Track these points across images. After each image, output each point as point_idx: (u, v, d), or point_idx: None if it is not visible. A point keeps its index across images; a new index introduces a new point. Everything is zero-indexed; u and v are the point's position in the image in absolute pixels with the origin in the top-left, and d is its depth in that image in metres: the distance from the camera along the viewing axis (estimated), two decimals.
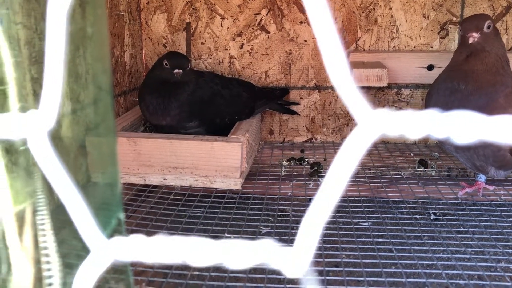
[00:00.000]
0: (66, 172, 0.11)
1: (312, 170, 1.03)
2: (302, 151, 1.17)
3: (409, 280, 0.63)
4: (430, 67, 1.14)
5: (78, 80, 0.51)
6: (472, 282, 0.63)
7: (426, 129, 0.10)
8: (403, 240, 0.75)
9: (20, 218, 0.33)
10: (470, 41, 0.78)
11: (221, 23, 1.21)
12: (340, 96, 0.15)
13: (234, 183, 0.91)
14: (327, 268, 0.67)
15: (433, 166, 1.06)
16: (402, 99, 1.21)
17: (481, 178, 0.91)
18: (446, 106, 0.82)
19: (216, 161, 0.90)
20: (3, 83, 0.38)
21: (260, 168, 1.07)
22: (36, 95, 0.41)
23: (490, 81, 0.79)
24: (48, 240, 0.34)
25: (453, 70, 0.84)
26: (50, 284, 0.31)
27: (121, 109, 1.13)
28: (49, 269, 0.31)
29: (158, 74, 0.97)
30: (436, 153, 1.13)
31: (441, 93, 0.83)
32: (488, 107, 0.78)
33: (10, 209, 0.33)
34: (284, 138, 1.27)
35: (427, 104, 0.88)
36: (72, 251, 0.36)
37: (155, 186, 0.94)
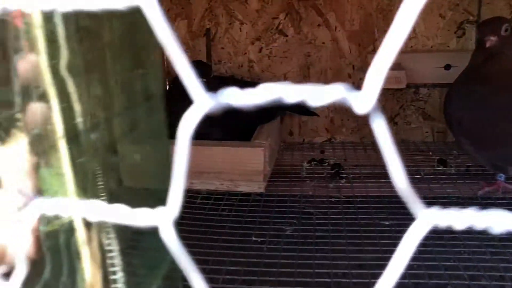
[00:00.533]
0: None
1: (333, 171, 1.06)
2: (322, 151, 1.20)
3: (432, 281, 0.66)
4: (448, 67, 1.15)
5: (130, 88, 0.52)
6: (494, 283, 0.65)
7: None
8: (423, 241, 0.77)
9: (86, 221, 0.35)
10: (488, 44, 0.80)
11: (240, 28, 1.24)
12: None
13: (258, 187, 0.95)
14: (352, 271, 0.70)
15: (452, 165, 1.08)
16: (420, 98, 1.22)
17: (501, 177, 0.93)
18: (464, 109, 0.83)
19: (240, 166, 0.94)
20: None
21: (281, 170, 1.10)
22: None
23: (508, 84, 0.80)
24: (113, 243, 0.36)
25: (470, 73, 0.85)
26: None
27: None
28: (114, 273, 0.34)
29: (181, 83, 1.00)
30: (455, 151, 1.15)
31: (459, 97, 0.85)
32: (507, 110, 0.80)
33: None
34: (303, 139, 1.30)
35: (446, 106, 0.90)
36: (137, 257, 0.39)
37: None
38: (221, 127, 1.02)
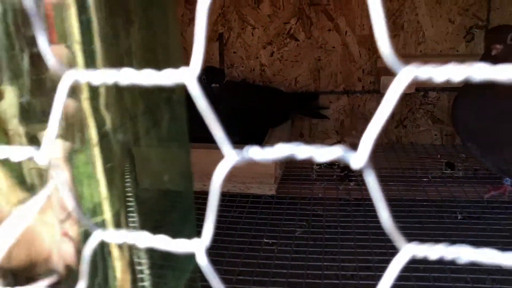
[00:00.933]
0: None
1: (342, 174, 1.09)
2: None
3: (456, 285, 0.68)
4: None
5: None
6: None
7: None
8: (428, 238, 0.80)
9: (116, 223, 0.38)
10: (494, 53, 0.82)
11: (252, 33, 1.27)
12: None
13: (269, 189, 0.98)
14: (360, 273, 0.73)
15: (460, 168, 1.10)
16: (429, 102, 1.24)
17: (507, 181, 0.95)
18: (471, 113, 0.86)
19: (252, 169, 0.97)
20: None
21: (292, 172, 1.13)
22: None
23: None
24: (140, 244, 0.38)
25: None
26: None
27: None
28: (141, 273, 0.37)
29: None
30: (463, 155, 1.17)
31: (466, 101, 0.87)
32: (511, 115, 0.82)
33: (108, 214, 0.38)
34: (314, 141, 1.32)
35: (453, 110, 0.92)
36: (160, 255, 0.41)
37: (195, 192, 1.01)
38: (236, 131, 1.05)
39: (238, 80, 1.29)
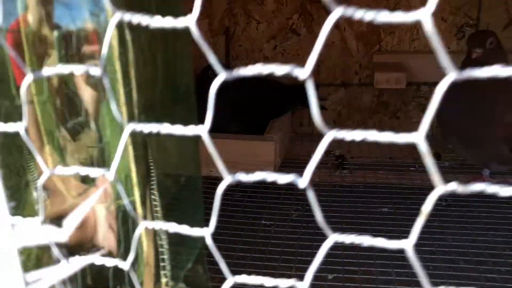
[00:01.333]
0: None
1: (337, 162, 1.18)
2: None
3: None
4: None
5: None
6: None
7: None
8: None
9: (143, 202, 0.46)
10: (473, 56, 0.90)
11: (257, 27, 1.35)
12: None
13: None
14: (345, 252, 0.83)
15: (447, 159, 1.19)
16: (421, 95, 1.32)
17: (486, 172, 1.04)
18: (452, 111, 0.94)
19: (253, 157, 1.06)
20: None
21: (291, 159, 1.22)
22: None
23: (489, 91, 0.90)
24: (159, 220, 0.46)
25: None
26: (164, 263, 0.45)
27: None
28: (162, 247, 0.46)
29: (202, 82, 1.13)
30: (450, 146, 1.26)
31: (448, 99, 0.96)
32: (486, 114, 0.90)
33: (137, 196, 0.46)
34: (312, 130, 1.41)
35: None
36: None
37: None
38: (239, 121, 1.14)
39: None
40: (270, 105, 1.20)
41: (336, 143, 1.33)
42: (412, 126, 1.36)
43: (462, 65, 0.97)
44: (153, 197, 0.49)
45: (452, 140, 0.99)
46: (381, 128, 1.37)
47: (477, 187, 0.20)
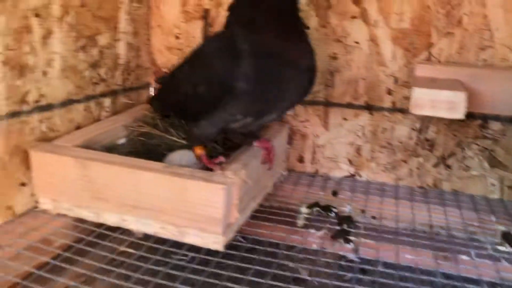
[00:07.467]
0: None
1: (338, 228, 0.72)
2: (334, 193, 0.86)
3: None
4: None
5: None
6: None
7: None
8: None
9: None
10: None
11: None
12: None
13: (213, 241, 0.63)
14: None
15: None
16: (489, 136, 0.85)
17: None
18: None
19: (189, 206, 0.63)
20: None
21: (272, 209, 0.78)
22: None
23: None
24: None
25: None
26: None
27: (105, 113, 0.88)
28: None
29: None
30: None
31: None
32: None
33: None
34: (317, 170, 0.96)
35: None
36: None
37: (111, 228, 0.68)
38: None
39: None
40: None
41: (349, 191, 0.87)
42: (470, 182, 0.88)
43: None
44: None
45: None
46: (420, 179, 0.89)
47: None
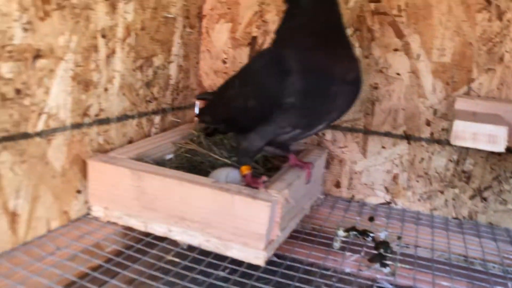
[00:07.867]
0: None
1: (376, 252, 0.74)
2: (371, 219, 0.88)
3: None
4: None
5: None
6: None
7: None
8: None
9: None
10: None
11: None
12: None
13: (255, 256, 0.66)
14: None
15: None
16: None
17: None
18: None
19: (235, 221, 0.66)
20: None
21: (309, 230, 0.80)
22: None
23: None
24: None
25: None
26: None
27: (155, 130, 0.93)
28: None
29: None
30: None
31: None
32: None
33: None
34: (353, 195, 0.98)
35: None
36: None
37: (157, 238, 0.72)
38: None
39: None
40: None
41: (385, 217, 0.89)
42: (507, 217, 0.88)
43: None
44: None
45: None
46: (455, 210, 0.91)
47: None
